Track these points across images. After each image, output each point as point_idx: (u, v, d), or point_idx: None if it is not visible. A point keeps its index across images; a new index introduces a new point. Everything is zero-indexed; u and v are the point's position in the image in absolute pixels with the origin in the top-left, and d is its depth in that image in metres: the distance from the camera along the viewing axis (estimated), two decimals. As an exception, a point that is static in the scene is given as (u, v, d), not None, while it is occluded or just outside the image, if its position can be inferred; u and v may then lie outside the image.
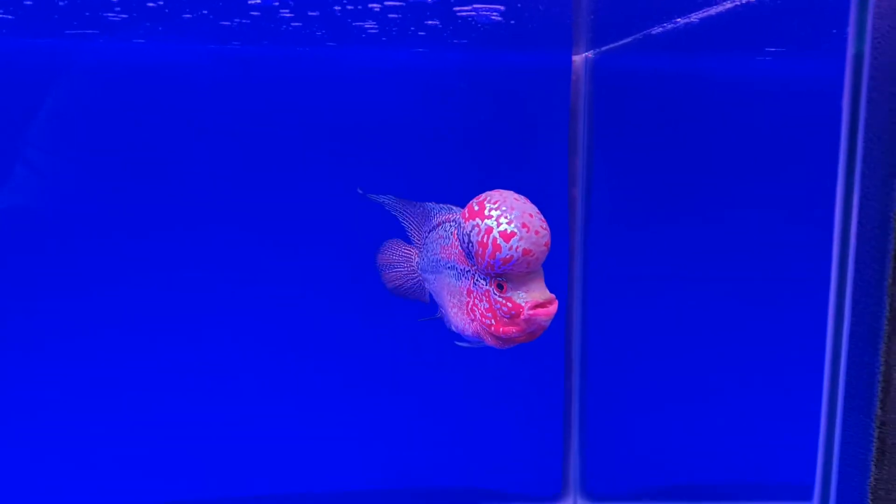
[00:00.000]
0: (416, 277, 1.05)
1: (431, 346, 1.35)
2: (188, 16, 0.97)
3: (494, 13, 0.97)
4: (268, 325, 1.32)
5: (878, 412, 0.70)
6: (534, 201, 1.40)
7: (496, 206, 0.79)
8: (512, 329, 0.82)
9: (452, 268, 0.90)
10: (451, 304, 0.92)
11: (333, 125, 1.29)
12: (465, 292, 0.87)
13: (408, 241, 1.02)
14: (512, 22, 1.02)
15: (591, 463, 1.38)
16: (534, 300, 0.80)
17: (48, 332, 1.26)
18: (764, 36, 1.05)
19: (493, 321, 0.83)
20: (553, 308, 0.81)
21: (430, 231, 0.96)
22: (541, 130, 1.36)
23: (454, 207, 0.94)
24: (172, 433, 1.31)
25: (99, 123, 1.22)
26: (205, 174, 1.27)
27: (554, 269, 1.35)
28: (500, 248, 0.77)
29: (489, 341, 0.88)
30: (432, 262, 0.95)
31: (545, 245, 0.79)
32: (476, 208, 0.80)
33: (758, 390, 1.09)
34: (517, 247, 0.77)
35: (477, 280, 0.84)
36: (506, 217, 0.77)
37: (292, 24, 1.02)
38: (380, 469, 1.37)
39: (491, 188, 1.38)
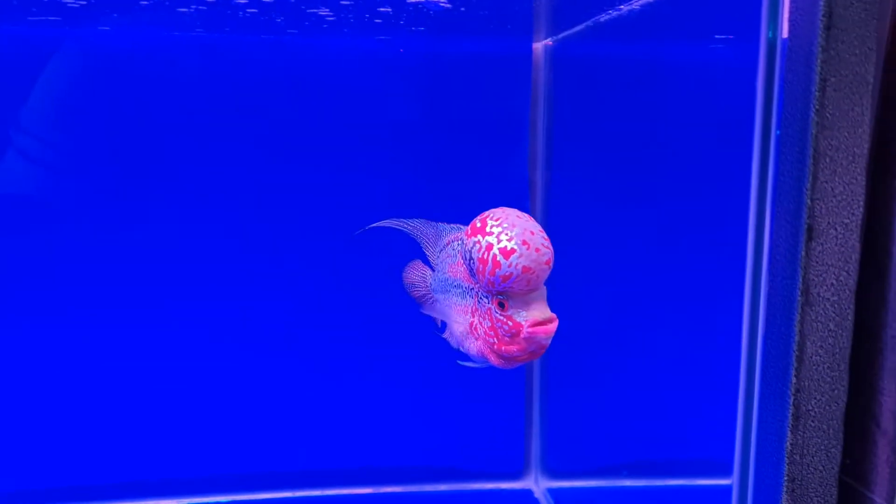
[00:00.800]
0: (431, 298, 1.05)
1: (396, 332, 1.38)
2: (145, 2, 1.00)
3: (443, 0, 1.00)
4: (252, 313, 1.35)
5: (794, 380, 0.73)
6: (495, 186, 1.44)
7: (497, 223, 0.78)
8: (513, 348, 0.82)
9: (458, 286, 0.90)
10: (457, 323, 0.92)
11: (299, 112, 1.32)
12: (469, 311, 0.88)
13: (426, 261, 1.03)
14: (462, 9, 1.04)
15: (552, 441, 1.41)
16: (533, 318, 0.80)
17: (45, 316, 1.29)
18: (710, 24, 1.07)
19: (495, 339, 0.83)
20: (553, 326, 0.81)
21: (440, 251, 0.97)
22: (502, 117, 1.39)
23: (462, 227, 0.93)
24: (157, 416, 1.34)
25: (63, 109, 1.25)
26: (174, 160, 1.30)
27: None
28: (500, 264, 0.77)
29: (493, 360, 0.87)
30: (441, 281, 0.95)
31: (546, 263, 0.79)
32: (478, 225, 0.80)
33: (700, 368, 1.12)
34: (517, 264, 0.77)
35: (480, 298, 0.85)
36: (506, 234, 0.77)
37: (248, 10, 1.04)
38: (343, 448, 1.40)
39: (454, 175, 1.42)
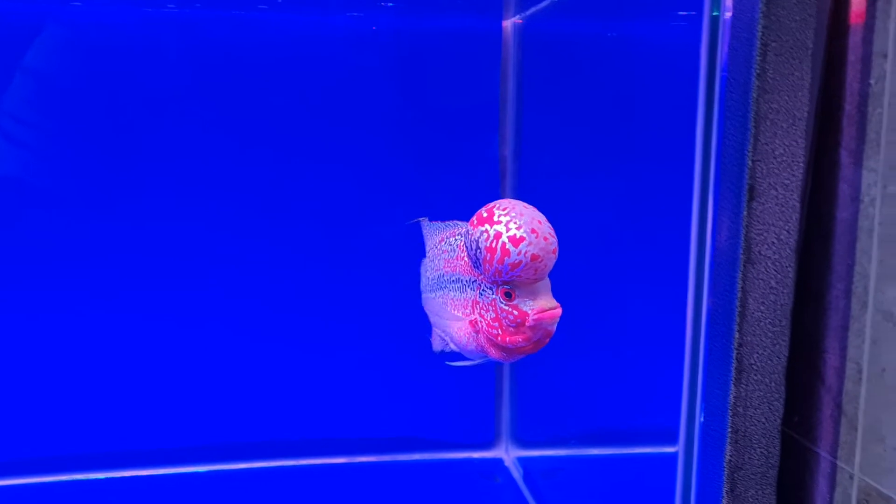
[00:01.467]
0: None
1: (370, 306, 1.41)
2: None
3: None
4: (228, 289, 1.37)
5: (737, 335, 0.76)
6: (466, 161, 1.46)
7: (505, 212, 0.79)
8: (518, 338, 0.82)
9: (457, 280, 0.89)
10: (453, 319, 0.90)
11: (271, 88, 1.34)
12: (469, 304, 0.87)
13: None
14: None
15: (521, 412, 1.44)
16: (539, 307, 0.80)
17: (23, 294, 1.31)
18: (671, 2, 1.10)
19: (499, 331, 0.83)
20: (558, 312, 0.81)
21: (430, 249, 0.96)
22: (473, 93, 1.41)
23: (459, 222, 0.94)
24: (134, 389, 1.36)
25: (39, 87, 1.26)
26: (149, 137, 1.31)
27: None
28: (509, 252, 0.77)
29: (493, 354, 0.87)
30: (433, 279, 0.94)
31: (553, 252, 0.79)
32: (485, 215, 0.80)
33: (665, 336, 1.15)
34: (526, 251, 0.77)
35: (483, 290, 0.84)
36: (515, 222, 0.77)
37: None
38: (317, 419, 1.43)
39: (425, 151, 1.44)
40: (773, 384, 0.77)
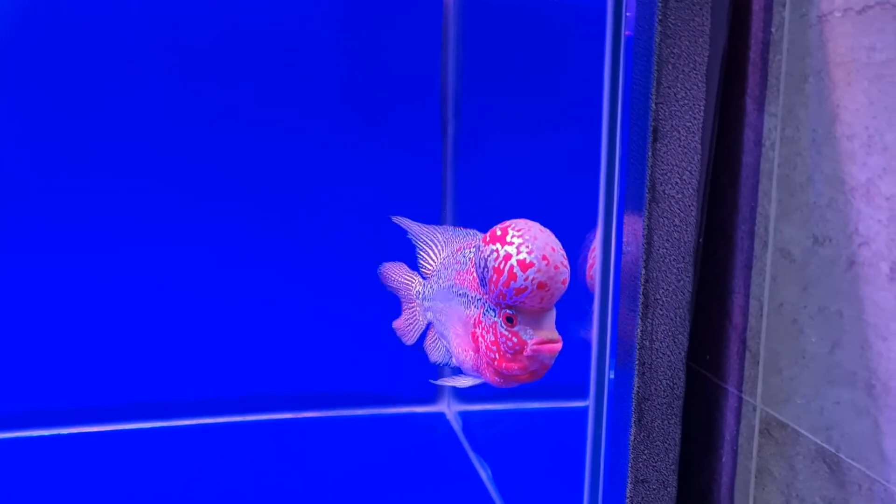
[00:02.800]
0: (412, 307, 1.02)
1: (317, 264, 1.43)
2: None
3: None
4: (183, 251, 1.39)
5: (643, 271, 0.80)
6: (407, 118, 1.48)
7: (519, 234, 0.77)
8: (514, 365, 0.81)
9: (464, 294, 0.87)
10: (456, 334, 0.89)
11: (217, 49, 1.35)
12: (472, 322, 0.85)
13: (414, 267, 1.01)
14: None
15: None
16: (540, 338, 0.79)
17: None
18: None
19: (496, 355, 0.81)
20: (558, 346, 0.80)
21: (445, 258, 0.94)
22: (415, 56, 1.43)
23: (478, 232, 0.92)
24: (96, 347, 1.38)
25: None
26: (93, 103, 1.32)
27: (429, 173, 1.43)
28: (516, 276, 0.75)
29: (489, 377, 0.85)
30: (443, 289, 0.92)
31: (562, 283, 0.77)
32: (498, 233, 0.78)
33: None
34: (533, 278, 0.75)
35: (486, 310, 0.82)
36: (527, 246, 0.75)
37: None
38: (264, 376, 1.45)
39: (369, 114, 1.45)
40: (677, 318, 0.81)
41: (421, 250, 0.99)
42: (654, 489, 0.84)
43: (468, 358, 0.87)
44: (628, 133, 0.80)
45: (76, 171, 1.33)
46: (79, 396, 1.39)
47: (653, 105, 0.77)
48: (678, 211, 0.79)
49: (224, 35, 1.34)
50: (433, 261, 0.98)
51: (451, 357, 0.94)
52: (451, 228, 0.97)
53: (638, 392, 0.81)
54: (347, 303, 1.46)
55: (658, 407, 0.82)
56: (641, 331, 0.81)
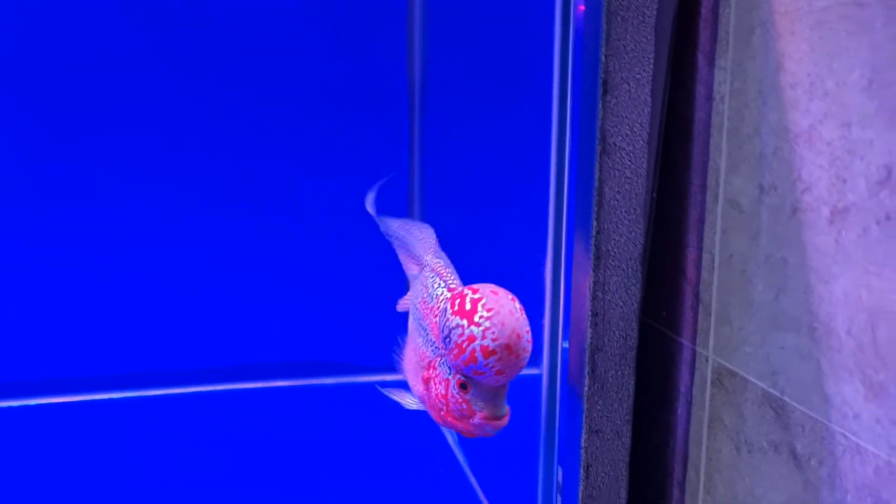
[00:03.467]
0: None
1: (282, 232, 1.44)
2: None
3: None
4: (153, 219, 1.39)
5: (594, 223, 0.81)
6: (374, 93, 1.48)
7: (489, 315, 0.75)
8: (459, 425, 0.81)
9: (425, 330, 0.87)
10: (407, 358, 0.89)
11: (188, 37, 1.35)
12: (425, 362, 0.85)
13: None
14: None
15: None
16: (489, 412, 0.78)
17: None
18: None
19: (444, 409, 0.81)
20: (503, 423, 0.80)
21: (426, 265, 0.92)
22: (381, 31, 1.43)
23: (449, 263, 0.90)
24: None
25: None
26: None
27: (398, 132, 1.44)
28: (477, 360, 0.75)
29: (431, 414, 0.85)
30: (413, 306, 0.91)
31: (521, 367, 0.77)
32: (468, 307, 0.76)
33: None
34: (494, 366, 0.75)
35: (442, 364, 0.82)
36: (493, 332, 0.74)
37: None
38: (233, 345, 1.45)
39: (336, 85, 1.43)
40: (629, 270, 0.82)
41: (406, 244, 0.99)
42: (609, 439, 0.85)
43: (416, 388, 0.87)
44: (579, 86, 0.81)
45: (57, 138, 1.32)
46: (47, 367, 1.39)
47: (602, 58, 0.77)
48: (629, 163, 0.80)
49: (196, 24, 1.34)
50: (417, 257, 0.97)
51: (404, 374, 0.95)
52: (419, 227, 0.96)
53: (591, 343, 0.83)
54: (312, 270, 1.47)
55: (611, 358, 0.84)
56: (594, 281, 0.82)
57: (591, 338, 0.83)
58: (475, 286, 0.78)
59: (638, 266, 0.83)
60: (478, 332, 0.74)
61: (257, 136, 1.41)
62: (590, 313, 0.82)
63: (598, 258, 0.81)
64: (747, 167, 0.80)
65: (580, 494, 0.85)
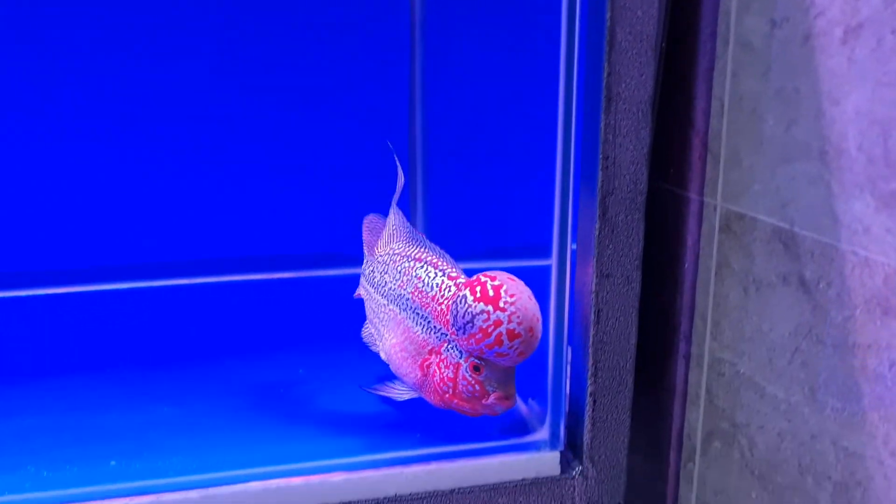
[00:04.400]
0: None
1: (286, 128, 1.43)
2: None
3: None
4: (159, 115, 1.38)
5: (605, 64, 0.81)
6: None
7: (512, 300, 0.80)
8: (466, 405, 0.86)
9: (424, 318, 0.89)
10: (397, 346, 0.91)
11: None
12: (425, 347, 0.88)
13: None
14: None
15: (433, 225, 1.50)
16: (502, 392, 0.85)
17: None
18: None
19: (450, 391, 0.85)
20: (514, 402, 0.86)
21: (401, 256, 0.94)
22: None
23: (444, 253, 0.93)
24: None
25: None
26: None
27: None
28: (503, 343, 0.80)
29: (430, 399, 0.89)
30: (392, 290, 0.93)
31: (535, 347, 0.83)
32: (491, 293, 0.81)
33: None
34: (517, 348, 0.81)
35: (449, 348, 0.86)
36: (517, 317, 0.80)
37: None
38: (238, 237, 1.46)
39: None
40: (640, 113, 0.83)
41: (385, 229, 1.02)
42: (619, 284, 0.86)
43: (410, 375, 0.90)
44: (580, 63, 0.81)
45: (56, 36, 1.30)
46: (51, 259, 1.40)
47: None
48: (640, 2, 0.80)
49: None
50: (381, 245, 1.00)
51: (373, 344, 0.98)
52: (409, 226, 0.98)
53: (602, 186, 0.83)
54: (316, 166, 1.47)
55: (621, 201, 0.84)
56: (605, 124, 0.82)
57: (602, 181, 0.83)
58: (489, 273, 0.84)
59: (648, 110, 0.83)
60: (504, 317, 0.80)
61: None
62: (601, 156, 0.83)
63: (609, 101, 0.82)
64: (759, 5, 0.80)
65: (591, 340, 0.87)
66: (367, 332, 1.03)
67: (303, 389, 1.05)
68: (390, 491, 0.85)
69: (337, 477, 0.84)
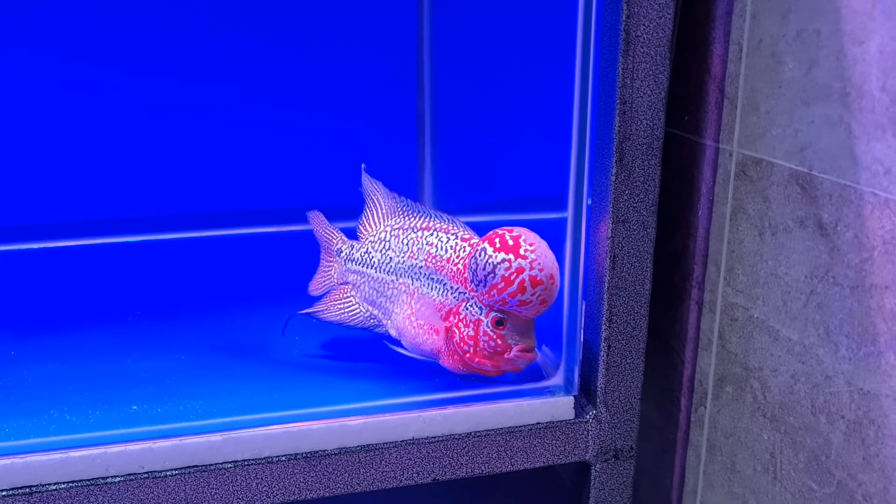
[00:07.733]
0: (330, 265, 1.01)
1: (284, 84, 1.42)
2: None
3: None
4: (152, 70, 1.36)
5: (625, 6, 0.80)
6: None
7: (532, 249, 0.82)
8: (488, 363, 0.86)
9: (439, 282, 0.89)
10: (412, 316, 0.90)
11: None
12: (444, 311, 0.88)
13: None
14: None
15: (442, 180, 1.50)
16: (525, 344, 0.85)
17: None
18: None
19: (472, 350, 0.86)
20: (536, 355, 0.87)
21: (404, 230, 0.93)
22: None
23: (454, 219, 0.93)
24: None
25: None
26: None
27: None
28: (525, 290, 0.81)
29: (449, 363, 0.89)
30: (399, 263, 0.92)
31: (555, 297, 0.84)
32: (510, 243, 0.82)
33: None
34: (540, 296, 0.82)
35: (469, 305, 0.86)
36: (539, 264, 0.81)
37: None
38: (245, 190, 1.46)
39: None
40: (658, 56, 0.82)
41: (368, 209, 1.00)
42: (635, 229, 0.87)
43: (427, 341, 0.89)
44: (596, 37, 0.81)
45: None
46: (47, 212, 1.39)
47: None
48: (659, -57, 0.79)
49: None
50: (372, 226, 0.98)
51: (377, 325, 0.96)
52: (405, 200, 0.97)
53: (619, 131, 0.83)
54: (322, 119, 1.46)
55: (638, 147, 0.84)
56: (623, 68, 0.82)
57: (619, 125, 0.83)
58: (506, 228, 0.85)
59: (666, 53, 0.83)
60: (525, 264, 0.81)
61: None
62: (618, 101, 0.82)
63: (627, 44, 0.81)
64: (780, -55, 0.79)
65: (606, 285, 0.87)
66: (363, 315, 0.99)
67: (320, 337, 1.06)
68: (408, 434, 0.86)
69: (355, 421, 0.85)
